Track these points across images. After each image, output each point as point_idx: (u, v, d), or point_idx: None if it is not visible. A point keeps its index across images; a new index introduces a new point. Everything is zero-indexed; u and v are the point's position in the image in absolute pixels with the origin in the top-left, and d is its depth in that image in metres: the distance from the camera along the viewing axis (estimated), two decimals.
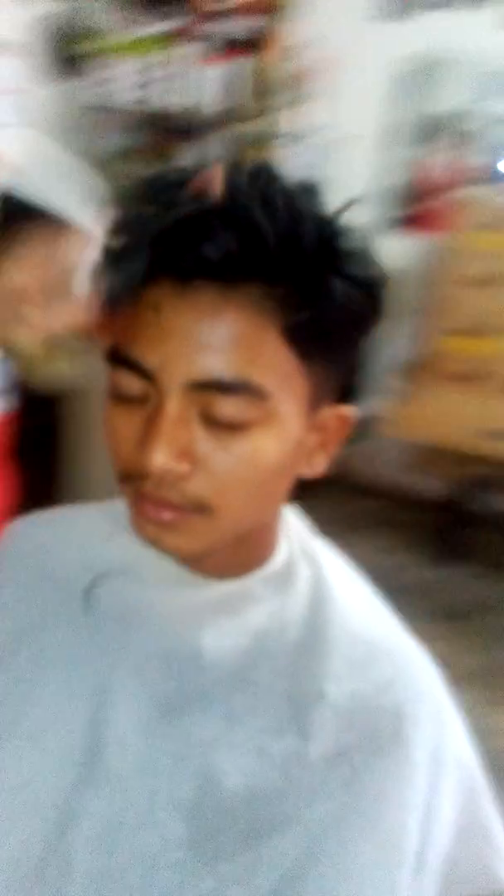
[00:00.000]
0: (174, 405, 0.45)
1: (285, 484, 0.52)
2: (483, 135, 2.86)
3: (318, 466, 0.53)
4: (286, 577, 0.57)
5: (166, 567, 0.55)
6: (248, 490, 0.48)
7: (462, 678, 2.51)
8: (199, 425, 0.46)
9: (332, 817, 0.51)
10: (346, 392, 0.52)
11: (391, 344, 3.09)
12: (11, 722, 0.56)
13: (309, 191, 0.48)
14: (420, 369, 2.73)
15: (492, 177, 2.90)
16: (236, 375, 0.44)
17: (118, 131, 3.17)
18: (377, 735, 0.53)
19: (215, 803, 0.51)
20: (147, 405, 0.46)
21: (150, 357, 0.45)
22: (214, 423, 0.45)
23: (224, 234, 0.43)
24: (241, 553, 0.56)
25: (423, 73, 2.85)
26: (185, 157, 3.05)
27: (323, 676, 0.54)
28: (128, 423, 0.47)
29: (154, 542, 0.50)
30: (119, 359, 0.47)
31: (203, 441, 0.46)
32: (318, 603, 0.57)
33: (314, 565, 0.59)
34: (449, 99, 2.86)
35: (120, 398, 0.47)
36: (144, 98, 3.03)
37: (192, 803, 0.52)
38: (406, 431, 2.79)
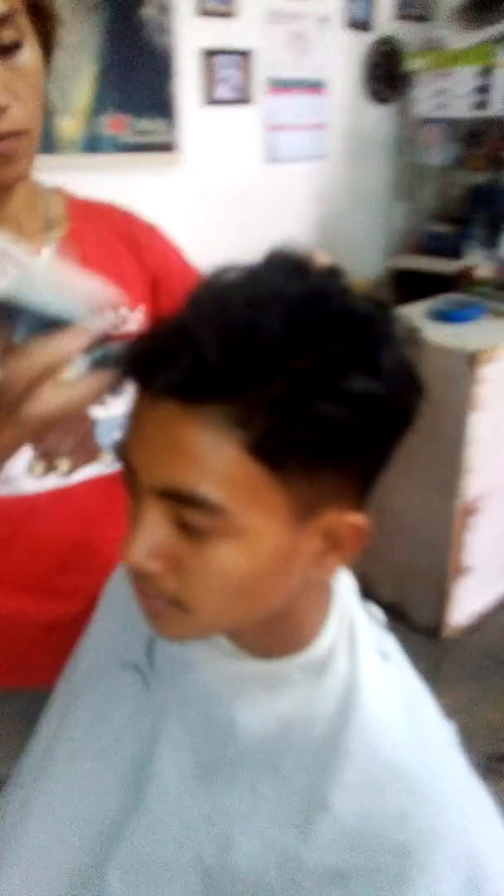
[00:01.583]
0: (148, 508, 0.46)
1: (279, 585, 0.49)
2: None
3: (330, 570, 0.50)
4: (322, 668, 0.54)
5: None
6: (221, 594, 0.47)
7: None
8: (172, 528, 0.46)
9: None
10: (362, 496, 0.48)
11: None
12: (83, 742, 0.62)
13: (317, 290, 0.43)
14: None
15: None
16: (192, 491, 0.43)
17: (453, 141, 3.11)
18: (378, 870, 0.47)
19: (229, 874, 0.51)
20: (135, 499, 0.48)
21: (132, 459, 0.47)
22: (184, 530, 0.45)
23: (175, 359, 0.42)
24: (273, 636, 0.54)
25: None
26: None
27: (332, 786, 0.49)
28: (129, 510, 0.49)
29: (151, 628, 0.51)
30: (119, 454, 0.49)
31: (176, 544, 0.46)
32: (347, 705, 0.52)
33: (353, 663, 0.54)
34: None
35: (129, 483, 0.49)
36: (480, 105, 2.92)
37: (211, 865, 0.52)
38: None
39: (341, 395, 0.42)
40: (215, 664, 0.56)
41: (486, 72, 2.81)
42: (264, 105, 2.62)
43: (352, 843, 0.48)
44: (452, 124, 3.04)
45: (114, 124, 2.15)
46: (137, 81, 2.17)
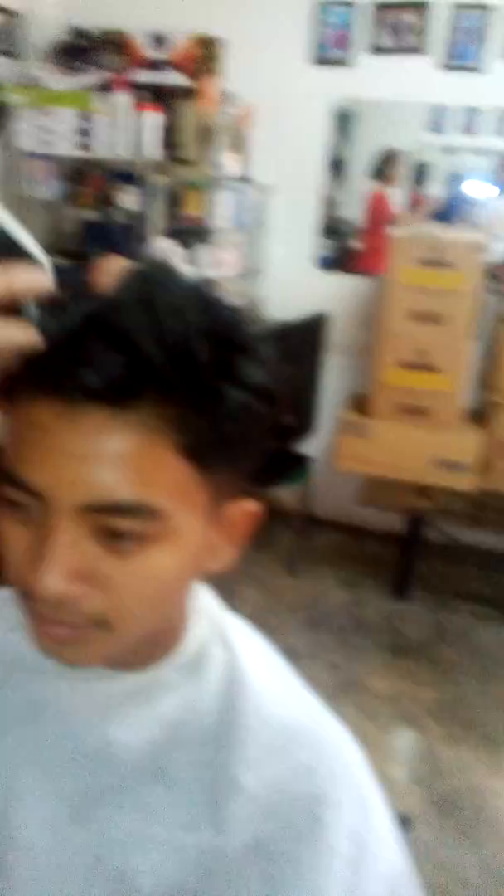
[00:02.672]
0: (65, 529, 0.42)
1: (188, 585, 0.51)
2: (431, 169, 2.98)
3: (225, 559, 0.51)
4: (197, 662, 0.55)
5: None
6: (148, 603, 0.46)
7: (420, 714, 2.55)
8: (93, 544, 0.43)
9: None
10: (251, 482, 0.50)
11: (340, 379, 3.18)
12: None
13: (201, 293, 0.45)
14: (370, 403, 2.74)
15: (446, 211, 2.97)
16: (130, 499, 0.42)
17: (59, 178, 3.17)
18: (295, 822, 0.50)
19: None
20: (37, 520, 0.43)
21: (38, 478, 0.42)
22: (109, 543, 0.43)
23: (106, 357, 0.40)
24: (149, 645, 0.54)
25: (360, 113, 2.98)
26: (127, 200, 3.07)
27: (238, 765, 0.51)
28: (19, 535, 0.44)
29: (52, 657, 0.47)
30: (6, 476, 0.44)
31: (97, 560, 0.43)
32: (232, 688, 0.54)
33: (227, 648, 0.57)
34: (395, 136, 2.99)
35: (10, 504, 0.44)
36: (83, 146, 3.05)
37: None
38: (359, 465, 2.79)
39: (248, 385, 0.44)
40: (80, 692, 0.53)
41: (86, 116, 2.95)
42: None
43: (267, 811, 0.50)
44: (57, 161, 3.11)
45: None
46: None
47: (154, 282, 0.43)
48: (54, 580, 0.42)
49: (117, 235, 3.05)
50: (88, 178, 3.13)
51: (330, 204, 3.19)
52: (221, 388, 0.43)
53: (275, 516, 3.50)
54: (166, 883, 0.49)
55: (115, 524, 0.42)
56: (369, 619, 2.84)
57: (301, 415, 2.97)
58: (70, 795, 0.52)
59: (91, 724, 0.53)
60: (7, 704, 0.55)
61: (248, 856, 0.49)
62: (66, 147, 2.98)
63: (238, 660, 0.56)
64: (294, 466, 3.02)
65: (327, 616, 2.83)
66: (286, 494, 3.17)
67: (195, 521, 0.46)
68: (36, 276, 0.42)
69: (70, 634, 0.45)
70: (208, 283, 0.48)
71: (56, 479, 0.42)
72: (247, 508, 0.50)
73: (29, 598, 0.45)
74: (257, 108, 3.03)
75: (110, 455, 0.41)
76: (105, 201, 3.08)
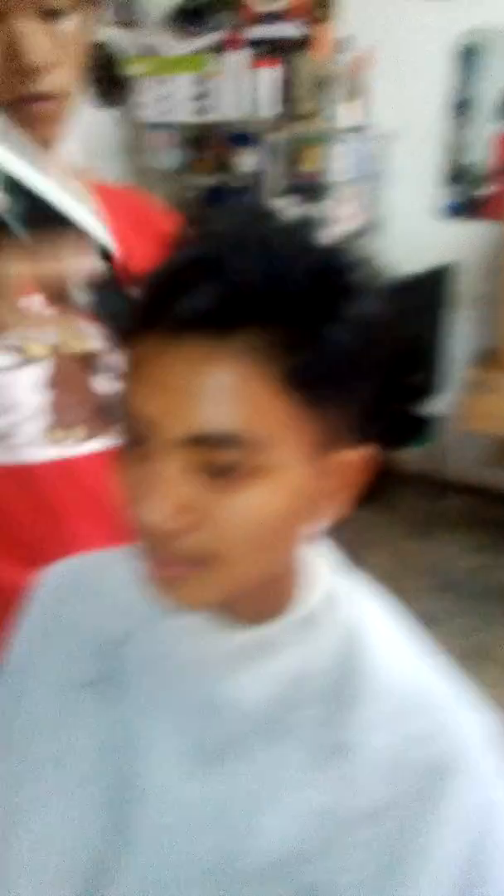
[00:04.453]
0: (170, 461, 0.43)
1: (296, 531, 0.49)
2: None
3: (335, 511, 0.50)
4: (315, 620, 0.54)
5: (196, 613, 0.54)
6: (252, 541, 0.45)
7: None
8: (199, 477, 0.43)
9: (368, 882, 0.48)
10: (365, 431, 0.48)
11: (469, 333, 3.04)
12: (35, 780, 0.56)
13: (304, 229, 0.45)
14: (500, 357, 2.65)
15: None
16: (231, 429, 0.42)
17: (178, 146, 3.22)
18: (412, 792, 0.49)
19: (256, 859, 0.50)
20: (148, 456, 0.44)
21: (145, 411, 0.44)
22: (214, 476, 0.43)
23: (203, 285, 0.41)
24: (267, 598, 0.53)
25: (488, 46, 2.79)
26: (245, 163, 3.07)
27: (355, 728, 0.51)
28: (133, 473, 0.45)
29: (165, 597, 0.48)
30: (124, 411, 0.46)
31: (203, 494, 0.43)
32: (351, 649, 0.53)
33: (347, 607, 0.56)
34: None
35: (130, 442, 0.46)
36: (201, 111, 3.07)
37: (235, 858, 0.50)
38: (489, 424, 2.67)
39: (351, 322, 0.43)
40: (205, 646, 0.54)
41: (203, 79, 2.96)
42: None
43: (383, 778, 0.49)
44: (176, 129, 3.15)
45: None
46: None
47: (255, 221, 0.45)
48: (159, 512, 0.43)
49: (237, 199, 3.05)
50: (207, 143, 3.15)
51: (455, 149, 3.00)
52: (321, 322, 0.42)
53: (402, 479, 3.48)
54: (288, 841, 0.49)
55: (217, 456, 0.42)
56: (496, 586, 2.72)
57: (425, 372, 2.86)
58: (199, 746, 0.52)
59: (216, 677, 0.53)
60: (136, 656, 0.56)
61: (363, 823, 0.49)
62: (185, 113, 3.01)
63: (357, 619, 0.55)
64: (418, 427, 2.92)
65: (458, 581, 2.74)
66: (413, 456, 3.08)
67: (299, 460, 0.44)
68: (82, 260, 0.48)
69: (179, 573, 0.46)
70: (314, 222, 0.48)
71: (161, 411, 0.43)
72: (358, 458, 0.48)
73: (140, 535, 0.46)
74: (375, 51, 2.89)
75: (210, 385, 0.42)
76: (224, 166, 3.09)
